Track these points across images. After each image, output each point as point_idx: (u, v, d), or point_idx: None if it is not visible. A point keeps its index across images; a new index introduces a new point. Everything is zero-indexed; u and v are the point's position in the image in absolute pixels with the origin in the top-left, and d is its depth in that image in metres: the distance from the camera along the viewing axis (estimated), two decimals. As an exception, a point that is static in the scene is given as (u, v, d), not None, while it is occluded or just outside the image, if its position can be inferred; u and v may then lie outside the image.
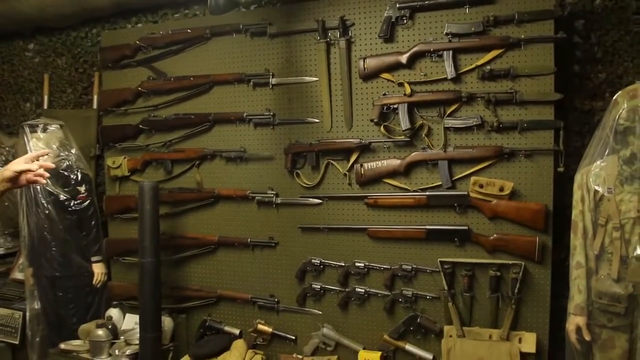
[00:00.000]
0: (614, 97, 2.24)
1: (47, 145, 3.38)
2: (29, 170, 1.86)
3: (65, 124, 3.50)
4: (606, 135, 2.23)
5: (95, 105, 3.88)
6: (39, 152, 2.05)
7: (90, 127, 3.85)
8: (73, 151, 3.44)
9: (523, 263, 2.53)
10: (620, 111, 2.16)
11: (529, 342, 2.53)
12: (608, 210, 2.21)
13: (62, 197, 3.31)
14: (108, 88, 3.46)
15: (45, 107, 4.13)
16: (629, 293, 2.14)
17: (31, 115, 4.15)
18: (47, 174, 1.93)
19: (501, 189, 2.54)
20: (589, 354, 2.30)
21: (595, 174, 2.25)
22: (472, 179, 2.60)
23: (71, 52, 3.98)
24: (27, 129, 3.38)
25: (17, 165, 1.87)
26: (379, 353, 2.75)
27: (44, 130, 3.39)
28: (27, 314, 3.41)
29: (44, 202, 3.29)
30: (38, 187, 3.30)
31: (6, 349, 3.68)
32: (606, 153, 2.24)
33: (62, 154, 3.39)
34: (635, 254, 2.14)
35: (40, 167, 1.89)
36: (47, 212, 3.29)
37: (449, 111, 2.63)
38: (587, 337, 2.23)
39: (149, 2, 3.51)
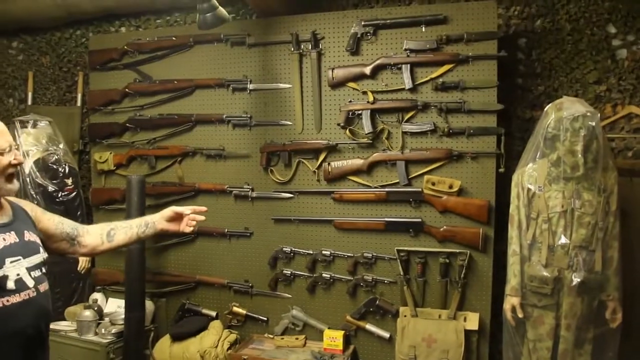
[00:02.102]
0: (545, 109, 2.48)
1: (36, 140, 3.51)
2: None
3: (53, 121, 3.62)
4: (538, 142, 2.46)
5: (79, 103, 3.99)
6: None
7: (74, 123, 3.98)
8: (61, 146, 3.55)
9: (469, 251, 2.76)
10: (549, 121, 2.39)
11: (472, 321, 2.75)
12: (538, 205, 2.43)
13: (51, 188, 3.42)
14: (95, 88, 3.56)
15: (30, 103, 4.21)
16: (554, 276, 2.38)
17: (14, 110, 4.23)
18: (201, 218, 2.00)
19: (450, 187, 2.77)
20: (522, 330, 2.52)
21: (529, 174, 2.47)
22: (426, 177, 2.82)
23: (55, 51, 4.06)
24: (17, 125, 3.48)
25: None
26: (342, 332, 2.94)
27: (34, 126, 3.51)
28: None
29: (33, 193, 3.39)
30: (27, 179, 3.43)
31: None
32: (537, 156, 2.46)
33: (50, 148, 3.49)
34: (559, 243, 2.38)
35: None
36: (36, 202, 3.37)
37: (406, 117, 2.84)
38: (520, 315, 2.46)
39: (133, 8, 3.62)
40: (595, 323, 2.43)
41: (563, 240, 2.38)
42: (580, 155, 2.34)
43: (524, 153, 2.56)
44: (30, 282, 1.58)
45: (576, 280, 2.35)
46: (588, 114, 2.35)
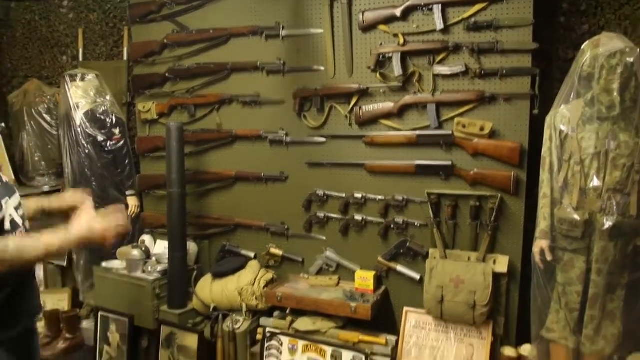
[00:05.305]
0: (582, 47, 2.38)
1: (85, 92, 3.69)
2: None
3: (100, 74, 3.79)
4: (573, 81, 2.38)
5: (125, 57, 4.14)
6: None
7: (121, 77, 4.14)
8: (108, 98, 3.72)
9: (500, 195, 2.73)
10: (585, 59, 2.31)
11: (502, 264, 2.75)
12: (571, 147, 2.38)
13: (100, 138, 3.61)
14: (137, 41, 3.68)
15: (81, 59, 4.39)
16: (585, 219, 2.34)
17: (68, 67, 4.41)
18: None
19: (482, 129, 2.74)
20: (552, 274, 2.51)
21: (562, 115, 2.41)
22: (456, 120, 2.79)
23: (102, 8, 4.22)
24: (67, 79, 3.67)
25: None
26: (374, 272, 3.02)
27: (82, 79, 3.68)
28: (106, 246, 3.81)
29: (84, 142, 3.60)
30: (79, 129, 3.65)
31: (56, 270, 4.15)
32: (572, 97, 2.39)
33: (98, 100, 3.67)
34: (592, 185, 2.33)
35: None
36: (87, 151, 3.60)
37: (437, 59, 2.80)
38: (549, 258, 2.46)
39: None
40: (631, 268, 2.39)
41: (596, 182, 2.33)
42: (616, 94, 2.25)
43: (558, 94, 2.48)
44: (19, 221, 1.65)
45: (608, 224, 2.30)
46: (627, 49, 2.25)
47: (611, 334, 2.43)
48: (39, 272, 4.13)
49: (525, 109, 2.71)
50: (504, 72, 2.70)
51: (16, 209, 1.66)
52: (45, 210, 1.88)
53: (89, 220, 1.65)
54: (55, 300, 3.97)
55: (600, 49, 2.28)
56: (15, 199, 1.68)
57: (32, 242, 1.53)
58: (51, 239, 1.56)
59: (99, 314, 3.50)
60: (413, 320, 2.94)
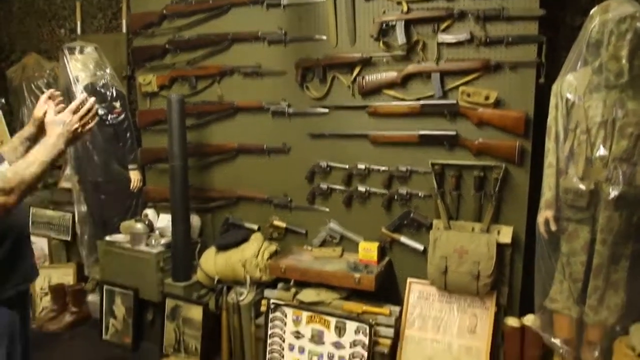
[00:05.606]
0: (591, 12, 2.30)
1: (84, 65, 3.67)
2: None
3: (98, 47, 3.74)
4: (581, 48, 2.32)
5: (124, 29, 4.10)
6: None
7: (120, 50, 4.11)
8: (107, 70, 3.69)
9: (504, 165, 2.70)
10: (594, 25, 2.24)
11: (506, 234, 2.74)
12: (577, 116, 2.34)
13: (100, 111, 3.53)
14: (135, 12, 3.63)
15: (79, 32, 4.36)
16: (590, 189, 2.32)
17: (66, 41, 4.34)
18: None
19: (487, 98, 2.70)
20: (556, 245, 2.50)
21: (569, 83, 2.37)
22: (461, 89, 2.75)
23: None
24: (66, 52, 3.64)
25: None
26: (377, 243, 3.02)
27: (81, 51, 3.65)
28: (76, 215, 3.81)
29: None
30: (79, 103, 3.65)
31: (60, 245, 4.18)
32: (579, 65, 2.33)
33: (98, 73, 3.65)
34: (598, 155, 2.29)
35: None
36: None
37: (442, 27, 2.75)
38: (554, 228, 2.44)
39: None
40: (635, 239, 2.37)
41: (602, 151, 2.29)
42: (625, 61, 2.19)
43: (565, 62, 2.42)
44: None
45: (614, 193, 2.28)
46: (637, 14, 2.18)
47: (614, 304, 2.43)
48: (44, 246, 4.15)
49: (531, 78, 2.67)
50: (510, 39, 2.65)
51: None
52: (28, 138, 1.96)
53: (50, 120, 1.79)
54: (60, 275, 3.99)
55: (610, 14, 2.22)
56: (3, 167, 1.75)
57: (23, 162, 1.66)
58: (36, 152, 1.69)
59: (104, 287, 3.52)
60: (417, 291, 2.94)
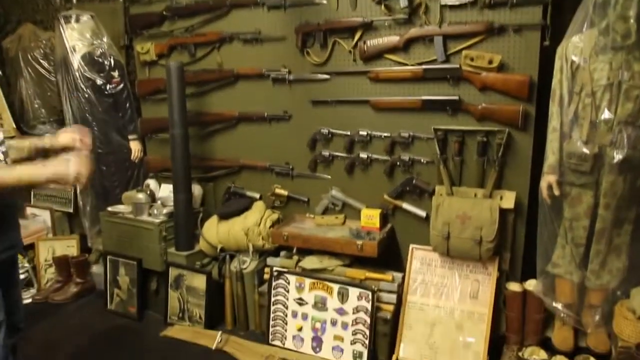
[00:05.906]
0: None
1: (81, 34, 3.62)
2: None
3: (95, 15, 3.68)
4: (587, 9, 2.28)
5: (120, -3, 4.06)
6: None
7: (117, 18, 4.01)
8: (105, 39, 3.65)
9: (507, 130, 2.67)
10: None
11: (508, 200, 2.72)
12: (583, 78, 2.31)
13: (99, 81, 3.57)
14: None
15: (74, 1, 4.28)
16: (594, 153, 2.31)
17: (62, 9, 4.21)
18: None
19: (490, 62, 2.65)
20: (559, 210, 2.50)
21: (574, 45, 2.33)
22: (464, 52, 2.70)
23: None
24: (62, 21, 3.59)
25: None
26: (380, 210, 3.01)
27: (77, 20, 3.61)
28: (77, 187, 3.83)
29: (83, 86, 3.57)
30: (77, 73, 3.59)
31: (63, 217, 4.20)
32: (586, 27, 2.30)
33: (95, 42, 3.61)
34: (603, 118, 2.27)
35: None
36: (86, 95, 3.58)
37: None
38: (557, 193, 2.44)
39: None
40: (638, 203, 2.37)
41: (607, 115, 2.27)
42: (632, 21, 2.15)
43: (571, 24, 2.38)
44: (1, 156, 1.78)
45: (618, 157, 2.27)
46: (646, -28, 2.14)
47: (616, 268, 2.45)
48: (47, 219, 4.16)
49: (535, 41, 2.62)
50: (514, 1, 2.58)
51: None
52: (39, 149, 1.99)
53: (74, 162, 1.74)
54: (64, 247, 4.01)
55: (618, -28, 2.16)
56: None
57: (4, 172, 1.68)
58: (25, 169, 1.71)
59: (108, 258, 3.54)
60: (419, 257, 2.95)
